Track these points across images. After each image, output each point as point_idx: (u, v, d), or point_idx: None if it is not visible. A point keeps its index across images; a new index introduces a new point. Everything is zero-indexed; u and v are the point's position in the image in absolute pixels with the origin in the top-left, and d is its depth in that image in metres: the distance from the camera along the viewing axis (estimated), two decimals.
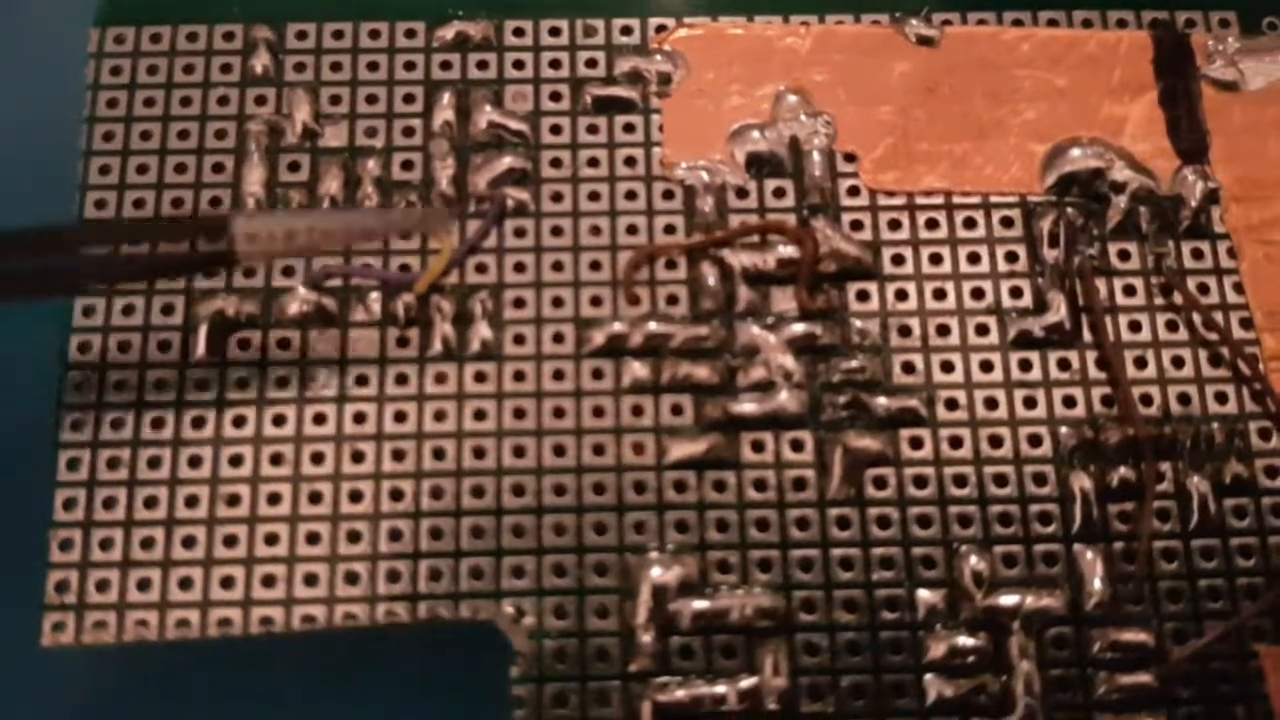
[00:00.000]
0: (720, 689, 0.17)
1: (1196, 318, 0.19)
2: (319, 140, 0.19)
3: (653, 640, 0.17)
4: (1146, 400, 0.19)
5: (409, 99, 0.20)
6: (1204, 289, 0.19)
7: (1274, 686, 0.17)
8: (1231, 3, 0.21)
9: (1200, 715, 0.17)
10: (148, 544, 0.17)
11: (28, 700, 0.18)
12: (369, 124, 0.19)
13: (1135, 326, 0.19)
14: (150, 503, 0.17)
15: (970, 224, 0.19)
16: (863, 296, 0.19)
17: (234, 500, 0.17)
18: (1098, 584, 0.17)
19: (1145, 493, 0.18)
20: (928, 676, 0.17)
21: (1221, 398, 0.19)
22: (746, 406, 0.18)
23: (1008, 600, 0.17)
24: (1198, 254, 0.19)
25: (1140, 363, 0.19)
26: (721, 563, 0.17)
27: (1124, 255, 0.19)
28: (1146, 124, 0.20)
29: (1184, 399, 0.19)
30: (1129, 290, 0.19)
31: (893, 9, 0.20)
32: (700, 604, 0.17)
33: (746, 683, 0.17)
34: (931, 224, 0.19)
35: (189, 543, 0.17)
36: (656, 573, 0.17)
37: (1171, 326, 0.19)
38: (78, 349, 0.18)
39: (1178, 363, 0.19)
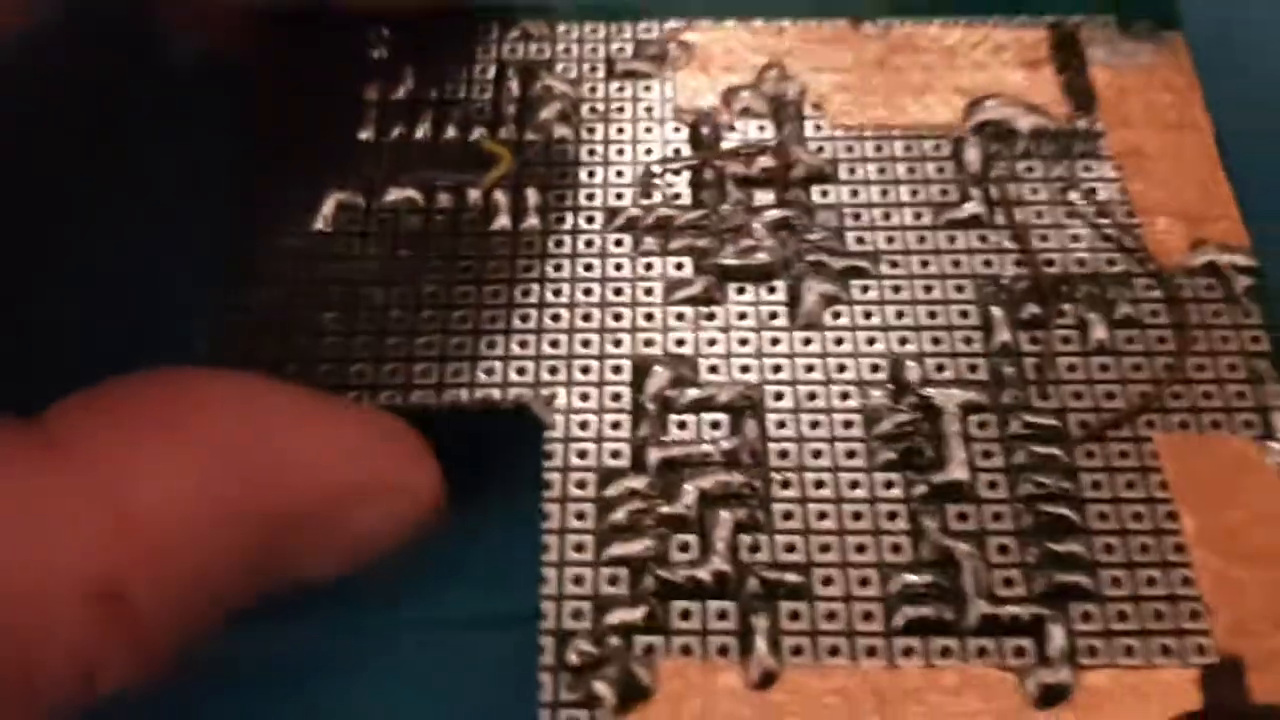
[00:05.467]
0: (706, 447, 0.21)
1: (1088, 205, 0.23)
2: (417, 95, 0.25)
3: (655, 413, 0.21)
4: (1049, 263, 0.23)
5: (484, 70, 0.26)
6: (1094, 192, 0.24)
7: (1167, 466, 0.21)
8: (1111, 9, 0.26)
9: (1104, 483, 0.21)
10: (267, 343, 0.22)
11: None
12: (454, 84, 0.25)
13: (1039, 214, 0.23)
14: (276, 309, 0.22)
15: (909, 148, 0.24)
16: (823, 194, 0.24)
17: (338, 320, 0.22)
18: (1012, 383, 0.21)
19: (1048, 321, 0.22)
20: (874, 444, 0.21)
21: (1111, 262, 0.23)
22: (732, 260, 0.23)
23: (941, 391, 0.21)
24: (1089, 169, 0.24)
25: (1044, 238, 0.23)
26: (711, 367, 0.22)
27: (1029, 169, 0.24)
28: (1045, 87, 0.25)
29: (1080, 262, 0.23)
30: (1034, 190, 0.24)
31: (854, 15, 0.26)
32: (693, 391, 0.21)
33: (727, 444, 0.21)
34: (877, 148, 0.24)
35: (304, 349, 0.22)
36: (658, 370, 0.22)
37: (1070, 216, 0.23)
38: None
39: (1075, 239, 0.23)
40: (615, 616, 0.19)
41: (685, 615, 0.19)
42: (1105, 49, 0.26)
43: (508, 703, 0.19)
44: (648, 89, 0.25)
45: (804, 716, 0.18)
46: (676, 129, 0.25)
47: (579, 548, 0.20)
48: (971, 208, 0.23)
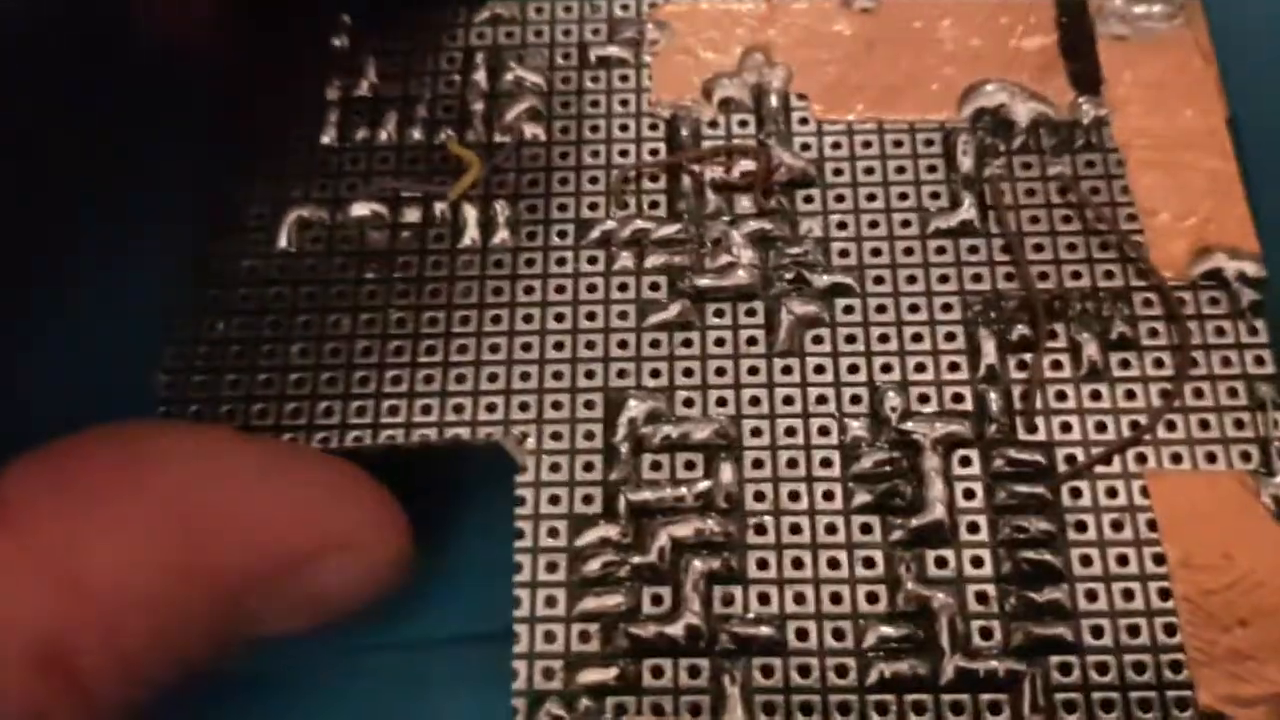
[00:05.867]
0: (680, 490, 0.20)
1: (1089, 213, 0.22)
2: (380, 92, 0.24)
3: (628, 454, 0.21)
4: (1044, 276, 0.22)
5: (451, 60, 0.24)
6: (1095, 191, 0.22)
7: (1157, 504, 0.20)
8: None
9: (1090, 524, 0.20)
10: (234, 385, 0.21)
11: None
12: (419, 79, 0.24)
13: (1035, 219, 0.22)
14: (239, 355, 0.21)
15: (898, 144, 0.23)
16: (808, 200, 0.23)
17: (304, 353, 0.21)
18: (997, 416, 0.21)
19: (1038, 344, 0.21)
20: (851, 484, 0.20)
21: (1109, 275, 0.22)
22: (710, 280, 0.22)
23: (920, 426, 0.21)
24: (1090, 164, 0.23)
25: (1038, 248, 0.22)
26: (686, 400, 0.21)
27: (1026, 166, 0.23)
28: (1048, 68, 0.23)
29: (1076, 275, 0.22)
30: (1030, 192, 0.22)
31: None
32: (667, 428, 0.21)
33: (702, 485, 0.20)
34: (865, 145, 0.23)
35: (268, 383, 0.21)
36: (632, 404, 0.21)
37: (1066, 220, 0.22)
38: None
39: (1071, 248, 0.22)
40: (587, 676, 0.19)
41: (657, 673, 0.19)
42: (1115, 19, 0.24)
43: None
44: (624, 79, 0.24)
45: None
46: (653, 126, 0.23)
47: (550, 602, 0.19)
48: (963, 214, 0.22)
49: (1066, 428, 0.20)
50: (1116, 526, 0.20)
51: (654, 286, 0.22)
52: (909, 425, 0.20)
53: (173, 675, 0.18)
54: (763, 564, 0.20)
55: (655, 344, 0.21)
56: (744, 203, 0.22)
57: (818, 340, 0.21)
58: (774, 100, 0.23)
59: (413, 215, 0.22)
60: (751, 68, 0.24)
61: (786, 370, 0.21)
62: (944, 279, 0.22)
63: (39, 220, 0.23)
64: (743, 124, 0.23)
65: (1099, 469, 0.20)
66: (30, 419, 0.18)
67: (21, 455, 0.18)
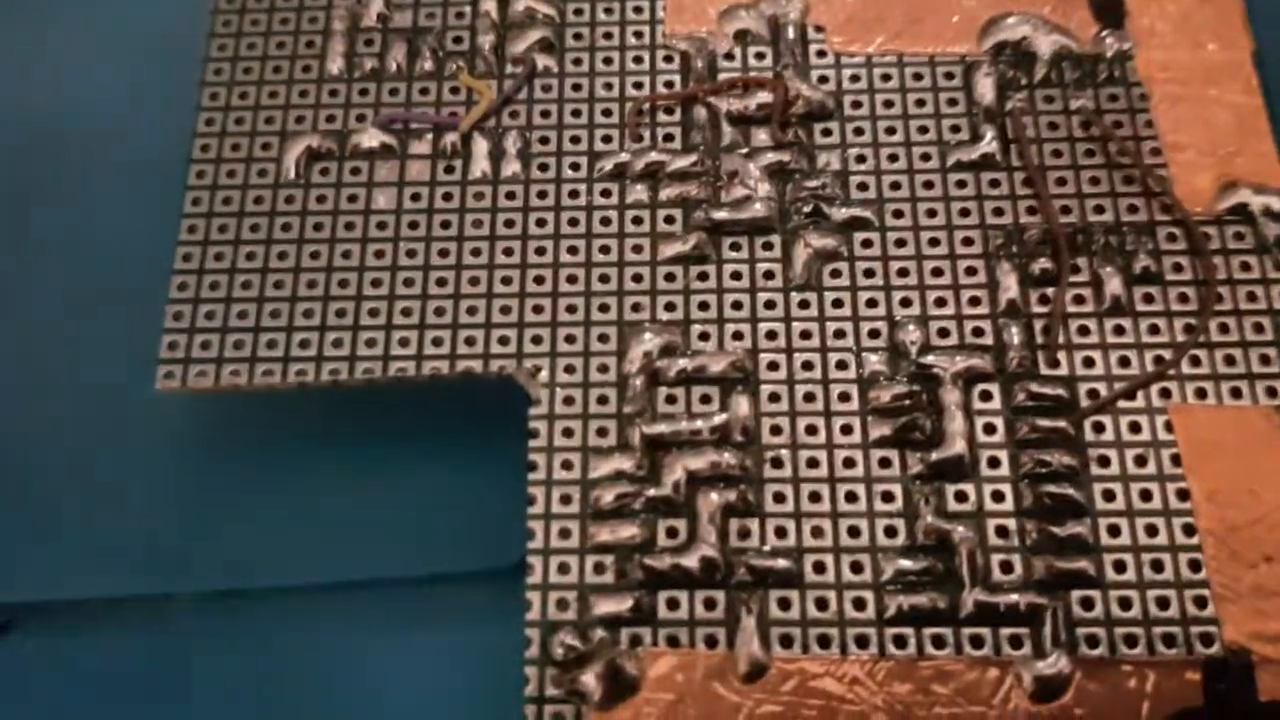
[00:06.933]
0: (696, 424, 0.20)
1: (1112, 147, 0.22)
2: (389, 22, 0.23)
3: (642, 387, 0.20)
4: (1066, 210, 0.21)
5: None
6: (1118, 125, 0.22)
7: (1181, 440, 0.20)
8: None
9: (1113, 459, 0.20)
10: (242, 315, 0.21)
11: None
12: (429, 9, 0.23)
13: (1057, 153, 0.22)
14: (246, 285, 0.21)
15: (918, 77, 0.22)
16: (826, 133, 0.22)
17: (311, 285, 0.21)
18: (1019, 350, 0.20)
19: (1060, 278, 0.21)
20: (869, 418, 0.20)
21: (1133, 209, 0.21)
22: (726, 213, 0.21)
23: (940, 360, 0.20)
24: (1113, 98, 0.22)
25: (1060, 181, 0.21)
26: (702, 334, 0.21)
27: (1048, 99, 0.22)
28: (1071, 0, 0.23)
29: (1099, 209, 0.21)
30: (1052, 126, 0.22)
31: None
32: (682, 362, 0.20)
33: (718, 419, 0.20)
34: (885, 77, 0.22)
35: (275, 314, 0.21)
36: (647, 337, 0.20)
37: (1089, 154, 0.22)
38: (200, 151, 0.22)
39: (1094, 181, 0.21)
40: (601, 607, 0.19)
41: (673, 605, 0.19)
42: None
43: (489, 659, 0.19)
44: (638, 10, 0.23)
45: (791, 710, 0.18)
46: (668, 59, 0.23)
47: (564, 534, 0.19)
48: (984, 147, 0.21)
49: (1089, 362, 0.20)
50: (1140, 461, 0.19)
51: (669, 220, 0.21)
52: (929, 359, 0.20)
53: None
54: (779, 497, 0.19)
55: (670, 277, 0.21)
56: (760, 136, 0.22)
57: (835, 274, 0.21)
58: (791, 32, 0.23)
59: (422, 147, 0.22)
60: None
61: (804, 304, 0.20)
62: (964, 213, 0.21)
63: None
64: (759, 56, 0.23)
65: (1122, 404, 0.20)
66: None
67: None
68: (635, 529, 0.19)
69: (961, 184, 0.21)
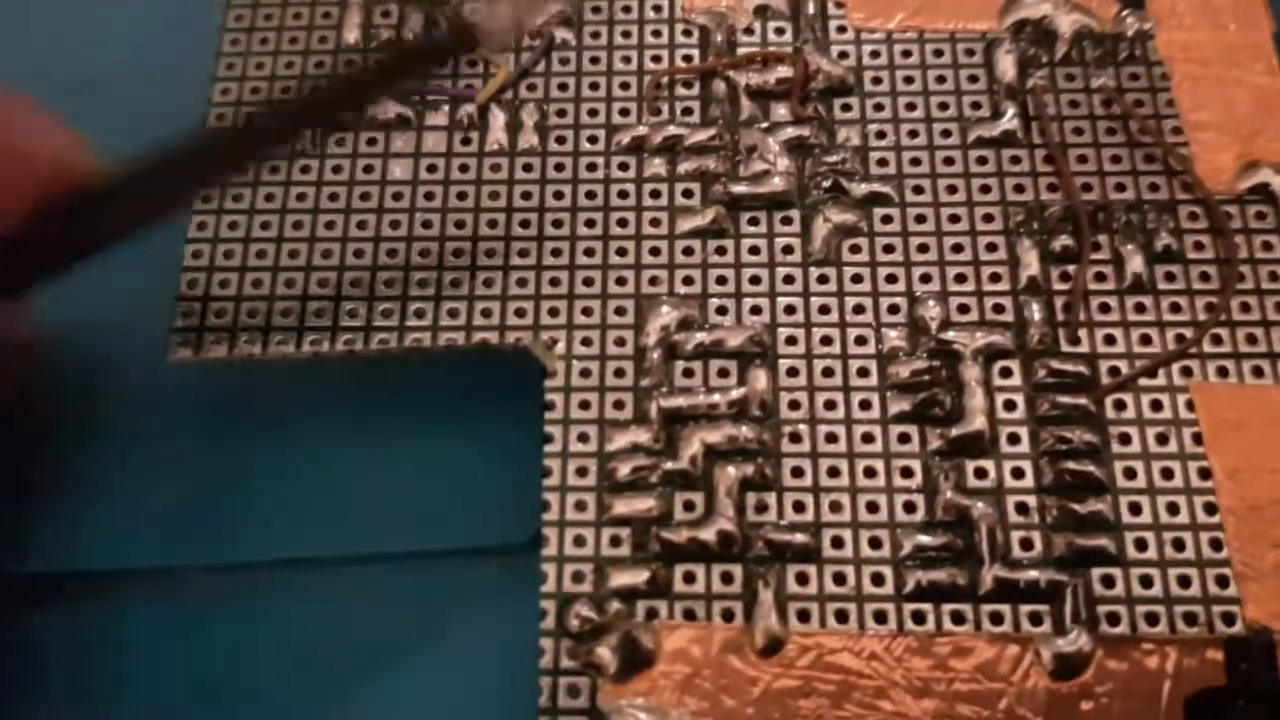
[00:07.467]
0: (714, 397, 0.20)
1: (1133, 125, 0.21)
2: None
3: (659, 360, 0.20)
4: (1087, 188, 0.21)
5: None
6: (1139, 104, 0.22)
7: (1202, 418, 0.20)
8: None
9: (1134, 437, 0.19)
10: (257, 284, 0.21)
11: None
12: None
13: (1078, 131, 0.21)
14: (260, 254, 0.21)
15: (938, 53, 0.22)
16: (846, 108, 0.22)
17: (327, 254, 0.21)
18: (1039, 327, 0.20)
19: (1082, 255, 0.20)
20: (889, 393, 0.20)
21: (1154, 187, 0.21)
22: (744, 188, 0.21)
23: (960, 336, 0.20)
24: (1134, 77, 0.22)
25: (1082, 159, 0.21)
26: (720, 307, 0.20)
27: (1069, 77, 0.22)
28: None
29: (1120, 187, 0.21)
30: (1073, 104, 0.22)
31: None
32: (700, 335, 0.20)
33: (736, 393, 0.20)
34: (905, 53, 0.22)
35: (290, 283, 0.20)
36: (665, 310, 0.20)
37: (1110, 132, 0.21)
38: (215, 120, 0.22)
39: (1115, 159, 0.21)
40: (617, 579, 0.18)
41: (689, 578, 0.18)
42: None
43: (504, 633, 0.19)
44: None
45: (807, 684, 0.18)
46: (687, 32, 0.23)
47: (580, 506, 0.19)
48: (1005, 124, 0.21)
49: (1110, 340, 0.20)
50: (1161, 439, 0.19)
51: (687, 193, 0.21)
52: (949, 335, 0.20)
53: None
54: (797, 472, 0.19)
55: (688, 251, 0.21)
56: (780, 110, 0.22)
57: (855, 249, 0.20)
58: (811, 7, 0.22)
59: (439, 119, 0.22)
60: None
61: (823, 279, 0.20)
62: (985, 189, 0.21)
63: None
64: (779, 31, 0.22)
65: (1143, 381, 0.19)
66: None
67: None
68: (652, 502, 0.19)
69: (982, 160, 0.21)
